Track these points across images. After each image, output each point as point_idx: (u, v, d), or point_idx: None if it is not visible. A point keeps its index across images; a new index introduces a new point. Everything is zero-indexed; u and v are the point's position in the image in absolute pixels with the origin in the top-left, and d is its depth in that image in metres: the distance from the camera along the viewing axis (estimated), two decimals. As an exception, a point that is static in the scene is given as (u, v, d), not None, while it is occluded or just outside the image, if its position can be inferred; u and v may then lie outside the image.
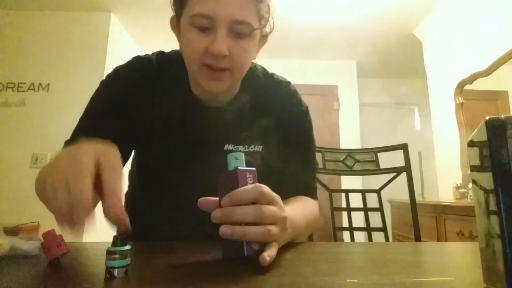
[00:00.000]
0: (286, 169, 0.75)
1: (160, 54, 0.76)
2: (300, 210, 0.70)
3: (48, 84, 2.74)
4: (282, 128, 0.77)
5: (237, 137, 0.73)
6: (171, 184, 0.72)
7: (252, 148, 0.74)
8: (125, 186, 0.76)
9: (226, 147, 0.72)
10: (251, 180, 0.45)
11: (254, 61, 0.73)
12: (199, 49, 0.61)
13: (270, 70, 0.82)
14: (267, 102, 0.77)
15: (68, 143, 0.67)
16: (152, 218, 0.73)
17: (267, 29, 0.69)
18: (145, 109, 0.70)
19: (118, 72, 0.73)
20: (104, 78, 0.74)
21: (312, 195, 0.80)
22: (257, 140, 0.75)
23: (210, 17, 0.59)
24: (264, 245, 0.44)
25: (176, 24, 0.68)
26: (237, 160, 0.47)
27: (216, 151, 0.69)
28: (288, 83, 0.82)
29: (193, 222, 0.65)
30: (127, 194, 0.83)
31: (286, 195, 0.68)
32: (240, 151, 0.72)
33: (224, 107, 0.74)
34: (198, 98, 0.73)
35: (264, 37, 0.71)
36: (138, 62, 0.74)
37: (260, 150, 0.75)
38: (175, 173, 0.72)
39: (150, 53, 0.76)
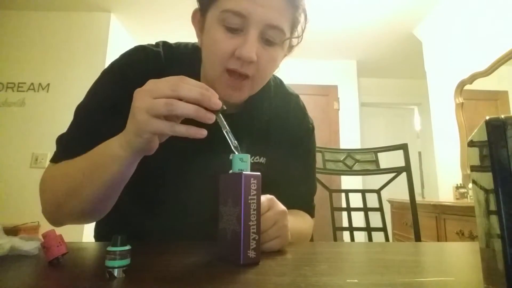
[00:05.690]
0: (287, 184, 0.72)
1: (167, 47, 0.69)
2: (300, 220, 0.70)
3: (48, 84, 2.74)
4: (288, 142, 0.75)
5: (242, 147, 0.70)
6: (167, 191, 0.68)
7: (257, 159, 0.71)
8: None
9: (229, 156, 0.69)
10: (254, 186, 0.44)
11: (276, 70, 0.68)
12: (225, 50, 0.55)
13: None
14: (275, 115, 0.74)
15: (64, 146, 0.63)
16: (149, 227, 0.67)
17: (297, 40, 0.65)
18: None
19: (123, 65, 0.66)
20: (106, 68, 0.67)
21: (310, 213, 0.79)
22: (261, 151, 0.72)
23: (244, 16, 0.54)
24: (259, 254, 0.44)
25: (199, 18, 0.62)
26: (243, 162, 0.46)
27: (218, 159, 0.63)
28: (297, 97, 0.80)
29: (192, 227, 0.64)
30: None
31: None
32: None
33: (232, 114, 0.68)
34: None
35: (290, 48, 0.66)
36: (145, 55, 0.66)
37: (264, 162, 0.72)
38: (172, 180, 0.67)
39: None
